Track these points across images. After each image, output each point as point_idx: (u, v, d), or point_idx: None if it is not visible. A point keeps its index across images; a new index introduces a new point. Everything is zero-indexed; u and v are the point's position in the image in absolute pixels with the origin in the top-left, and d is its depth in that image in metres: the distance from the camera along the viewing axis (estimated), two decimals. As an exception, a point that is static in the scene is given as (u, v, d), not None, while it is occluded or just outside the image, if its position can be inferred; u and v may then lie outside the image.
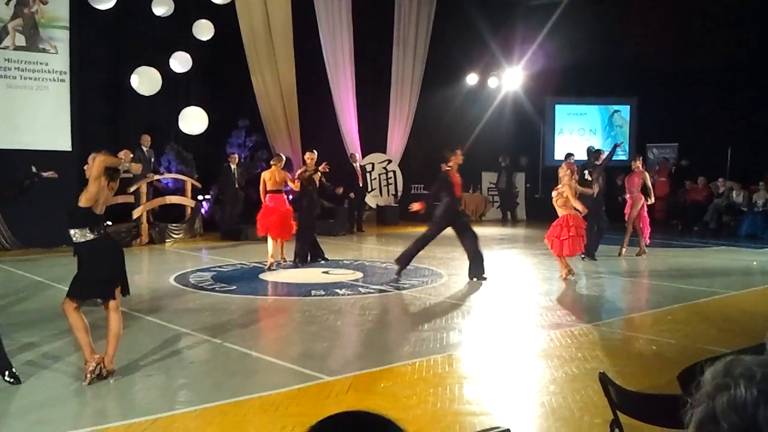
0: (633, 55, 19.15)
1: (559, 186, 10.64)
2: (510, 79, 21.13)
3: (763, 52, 17.92)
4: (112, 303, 5.67)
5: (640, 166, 13.30)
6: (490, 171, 21.23)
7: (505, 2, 21.97)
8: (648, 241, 13.32)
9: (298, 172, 12.12)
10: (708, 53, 18.07)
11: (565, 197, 10.46)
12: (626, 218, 13.26)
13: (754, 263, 12.69)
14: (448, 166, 10.64)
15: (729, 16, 18.08)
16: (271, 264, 11.40)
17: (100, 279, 5.62)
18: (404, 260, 10.72)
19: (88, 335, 5.55)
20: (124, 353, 6.11)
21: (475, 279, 10.38)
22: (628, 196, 13.28)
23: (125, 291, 5.83)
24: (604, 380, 3.14)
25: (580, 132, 21.80)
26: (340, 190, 13.90)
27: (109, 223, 14.23)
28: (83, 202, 5.49)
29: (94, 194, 5.50)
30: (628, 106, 21.58)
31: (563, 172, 10.70)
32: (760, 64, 17.96)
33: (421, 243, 10.74)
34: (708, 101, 18.87)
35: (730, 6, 18.05)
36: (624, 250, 13.21)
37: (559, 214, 10.56)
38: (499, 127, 21.53)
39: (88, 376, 5.43)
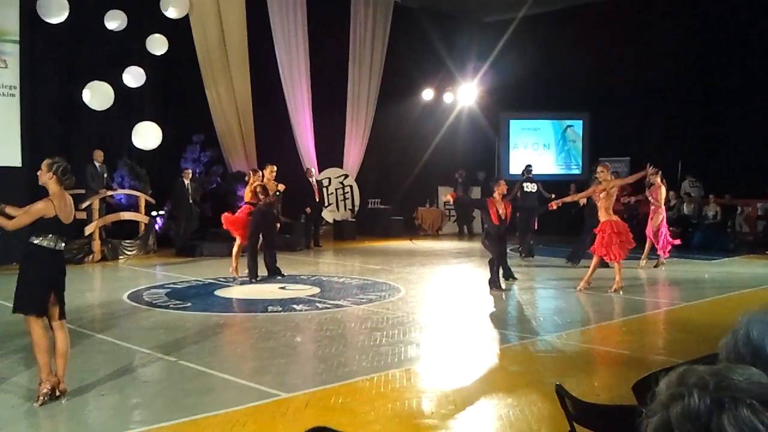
0: (586, 71, 19.46)
1: (602, 186, 10.81)
2: (465, 94, 21.32)
3: (710, 68, 18.37)
4: (56, 320, 5.54)
5: (658, 179, 13.67)
6: (446, 185, 21.35)
7: (460, 19, 22.22)
8: (667, 254, 13.85)
9: (256, 184, 12.05)
10: (658, 69, 18.48)
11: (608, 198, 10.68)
12: (648, 230, 13.70)
13: (706, 275, 12.94)
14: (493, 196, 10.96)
15: (678, 32, 18.50)
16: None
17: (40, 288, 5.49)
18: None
19: (50, 356, 5.43)
20: (76, 372, 5.98)
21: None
22: (652, 208, 13.78)
23: (62, 313, 5.66)
24: (560, 392, 3.16)
25: (534, 146, 22.05)
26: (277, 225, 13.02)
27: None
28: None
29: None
30: (581, 121, 21.90)
31: (605, 175, 10.91)
32: (708, 80, 18.40)
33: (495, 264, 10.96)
34: (658, 116, 19.28)
35: (680, 23, 18.48)
36: (644, 261, 13.59)
37: (601, 219, 10.71)
38: (454, 142, 21.70)
39: (41, 398, 5.30)
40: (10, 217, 5.46)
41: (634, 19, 19.15)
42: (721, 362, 1.51)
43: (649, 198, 13.89)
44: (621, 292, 10.59)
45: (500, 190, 10.86)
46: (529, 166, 15.91)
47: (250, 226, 11.82)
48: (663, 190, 13.82)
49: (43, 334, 5.43)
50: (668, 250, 13.85)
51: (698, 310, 9.53)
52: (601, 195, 10.80)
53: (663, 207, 13.85)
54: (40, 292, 5.46)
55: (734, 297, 10.55)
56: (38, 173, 5.63)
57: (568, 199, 12.10)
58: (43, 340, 5.40)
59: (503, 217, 10.80)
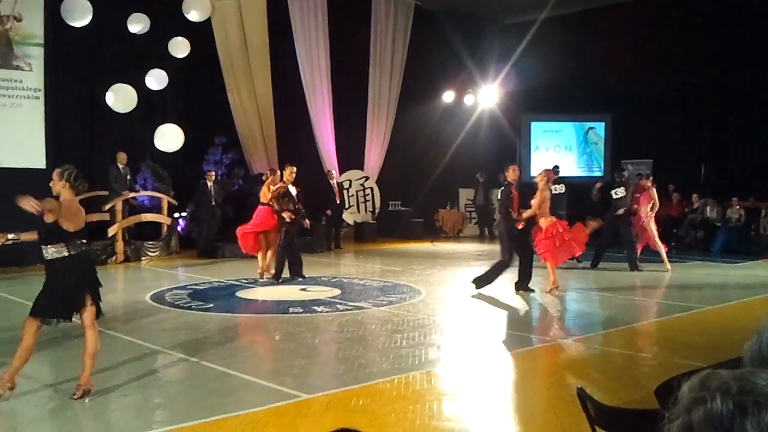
0: (608, 73, 19.35)
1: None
2: (486, 96, 21.26)
3: (733, 69, 18.18)
4: (87, 320, 5.60)
5: (649, 183, 13.72)
6: (467, 187, 21.32)
7: (481, 21, 22.16)
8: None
9: (280, 188, 12.06)
10: (680, 71, 18.33)
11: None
12: (652, 240, 13.62)
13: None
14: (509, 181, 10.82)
15: (700, 34, 18.32)
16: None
17: (63, 297, 5.56)
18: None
19: (23, 365, 5.50)
20: (99, 372, 6.03)
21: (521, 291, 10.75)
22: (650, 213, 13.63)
23: (99, 312, 5.74)
24: (582, 395, 3.14)
25: (555, 149, 21.94)
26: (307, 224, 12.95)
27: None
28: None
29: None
30: (603, 123, 21.76)
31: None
32: (731, 81, 18.22)
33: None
34: (681, 118, 19.11)
35: (702, 24, 18.31)
36: (668, 265, 13.45)
37: (543, 225, 10.80)
38: (475, 144, 21.65)
39: None
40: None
41: (655, 21, 19.00)
42: (745, 366, 1.50)
43: (639, 207, 13.64)
44: (556, 292, 10.67)
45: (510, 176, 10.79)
46: (557, 166, 15.67)
47: (281, 231, 11.81)
48: (653, 192, 13.63)
49: (33, 342, 5.49)
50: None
51: (721, 314, 9.45)
52: (533, 201, 10.83)
53: (651, 212, 13.56)
54: (45, 301, 5.53)
55: (758, 300, 10.45)
56: (50, 184, 5.63)
57: (527, 213, 11.00)
58: (30, 347, 5.46)
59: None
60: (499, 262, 10.75)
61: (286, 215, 11.58)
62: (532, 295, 10.68)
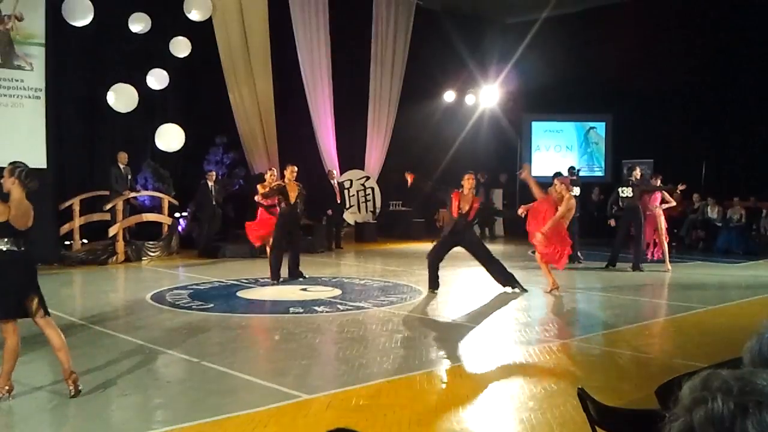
0: (608, 72, 19.32)
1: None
2: (487, 96, 21.24)
3: (735, 69, 18.18)
4: (40, 321, 5.52)
5: (658, 182, 13.79)
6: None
7: (482, 20, 22.16)
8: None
9: (275, 186, 12.19)
10: (681, 70, 18.30)
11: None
12: (660, 237, 13.71)
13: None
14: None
15: (702, 33, 18.32)
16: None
17: (14, 292, 5.48)
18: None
19: (14, 365, 5.47)
20: (99, 372, 6.04)
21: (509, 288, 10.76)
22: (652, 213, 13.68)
23: (47, 311, 5.60)
24: (582, 396, 3.14)
25: (556, 148, 21.95)
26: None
27: (85, 241, 14.17)
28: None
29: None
30: (604, 123, 21.77)
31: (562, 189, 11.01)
32: (733, 81, 18.22)
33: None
34: (682, 118, 19.09)
35: (703, 24, 18.30)
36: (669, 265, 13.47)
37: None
38: (476, 144, 21.65)
39: None
40: None
41: (656, 20, 19.00)
42: (745, 366, 1.50)
43: (656, 206, 13.69)
44: (556, 293, 10.69)
45: (469, 184, 10.72)
46: (573, 167, 15.60)
47: (275, 228, 11.94)
48: (664, 192, 13.77)
49: (17, 341, 5.45)
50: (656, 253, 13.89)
51: (722, 314, 9.44)
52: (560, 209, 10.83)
53: (661, 209, 13.72)
54: (7, 297, 5.44)
55: (759, 301, 10.44)
56: (0, 180, 5.54)
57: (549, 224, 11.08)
58: (16, 346, 5.43)
59: (463, 213, 10.72)
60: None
61: (265, 202, 12.02)
62: (532, 295, 10.67)
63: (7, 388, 5.43)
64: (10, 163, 5.57)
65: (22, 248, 5.45)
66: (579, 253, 14.54)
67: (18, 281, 5.49)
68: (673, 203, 13.79)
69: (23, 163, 5.60)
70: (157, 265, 14.10)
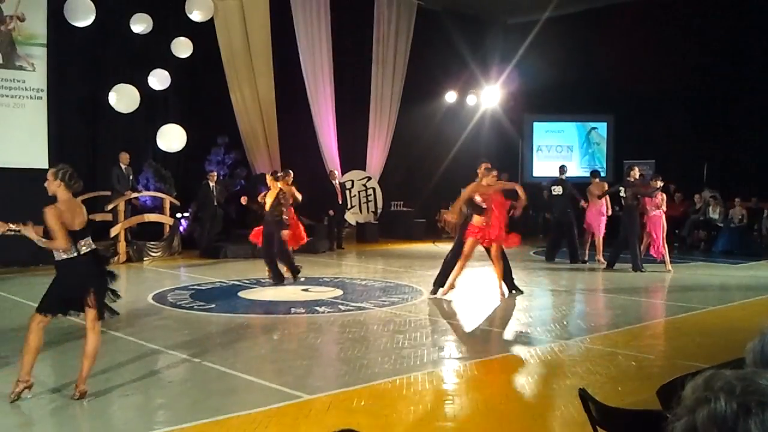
0: (610, 73, 19.32)
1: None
2: (488, 96, 21.26)
3: (736, 70, 18.18)
4: (88, 321, 5.58)
5: (659, 184, 13.60)
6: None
7: (484, 20, 22.16)
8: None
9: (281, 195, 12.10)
10: (683, 71, 18.30)
11: None
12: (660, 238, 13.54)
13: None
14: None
15: (703, 34, 18.32)
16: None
17: (67, 297, 5.54)
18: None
19: (35, 359, 5.46)
20: (100, 372, 6.03)
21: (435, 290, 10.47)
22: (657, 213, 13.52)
23: (101, 314, 5.65)
24: (584, 396, 3.14)
25: (558, 149, 21.94)
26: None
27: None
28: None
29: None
30: (605, 124, 21.75)
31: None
32: (734, 82, 18.23)
33: None
34: (684, 118, 19.08)
35: (705, 25, 18.30)
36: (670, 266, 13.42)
37: None
38: (478, 145, 21.64)
39: (12, 396, 5.34)
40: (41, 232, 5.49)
41: (658, 21, 19.00)
42: (748, 367, 1.50)
43: (654, 209, 13.60)
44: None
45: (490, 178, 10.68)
46: (563, 166, 15.43)
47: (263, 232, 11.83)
48: (660, 194, 13.64)
49: (39, 336, 5.45)
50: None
51: (723, 315, 9.43)
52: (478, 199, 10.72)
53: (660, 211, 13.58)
54: (51, 299, 5.51)
55: (760, 301, 10.43)
56: (45, 184, 5.60)
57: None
58: (36, 341, 5.44)
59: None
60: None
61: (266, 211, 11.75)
62: (533, 295, 10.67)
63: (24, 384, 5.41)
64: (52, 167, 5.66)
65: (82, 251, 5.47)
66: (580, 253, 14.55)
67: (71, 284, 5.53)
68: (662, 209, 13.51)
69: (66, 165, 5.70)
70: (158, 265, 14.10)
